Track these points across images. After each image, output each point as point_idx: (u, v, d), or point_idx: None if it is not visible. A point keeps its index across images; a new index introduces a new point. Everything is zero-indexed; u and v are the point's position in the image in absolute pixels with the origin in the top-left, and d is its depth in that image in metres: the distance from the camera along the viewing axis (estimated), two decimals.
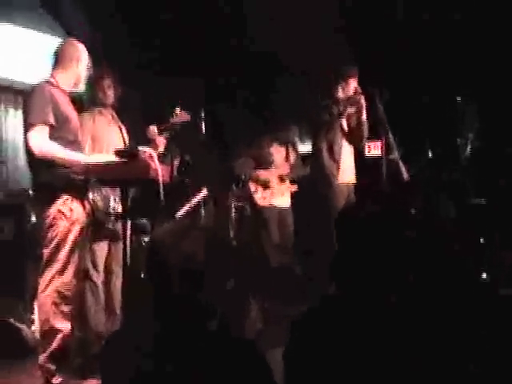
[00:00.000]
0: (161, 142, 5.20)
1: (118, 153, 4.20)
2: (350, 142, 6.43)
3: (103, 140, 5.16)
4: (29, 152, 4.25)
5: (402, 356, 2.08)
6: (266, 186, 7.02)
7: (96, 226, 4.79)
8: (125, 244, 5.00)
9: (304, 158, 7.24)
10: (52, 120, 4.21)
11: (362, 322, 2.14)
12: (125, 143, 5.31)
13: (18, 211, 6.03)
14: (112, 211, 4.93)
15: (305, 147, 7.99)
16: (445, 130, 7.33)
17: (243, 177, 7.03)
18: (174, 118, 5.25)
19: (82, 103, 5.22)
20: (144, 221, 6.37)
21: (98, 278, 5.02)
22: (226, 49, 8.26)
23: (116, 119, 5.37)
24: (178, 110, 5.28)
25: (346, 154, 6.34)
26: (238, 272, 5.70)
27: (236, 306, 4.78)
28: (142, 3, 7.98)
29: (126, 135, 5.37)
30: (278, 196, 7.02)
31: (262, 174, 7.05)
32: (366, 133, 6.38)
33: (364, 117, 6.27)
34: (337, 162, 6.22)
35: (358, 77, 6.36)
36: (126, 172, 4.15)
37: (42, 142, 4.17)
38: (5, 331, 5.17)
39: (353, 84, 6.32)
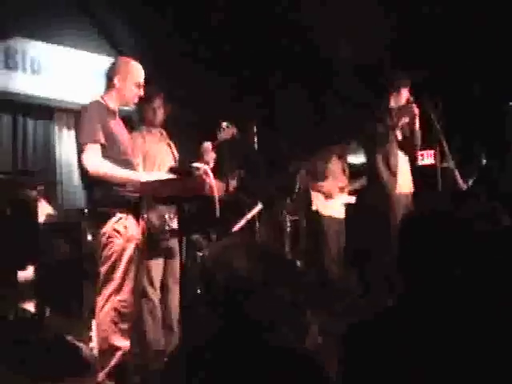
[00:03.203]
0: (211, 158, 5.19)
1: (173, 170, 4.21)
2: (404, 151, 6.36)
3: (155, 158, 5.16)
4: (83, 171, 4.26)
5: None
6: (328, 195, 7.07)
7: (151, 244, 4.79)
8: (181, 260, 5.02)
9: (359, 170, 7.24)
10: (102, 139, 4.21)
11: (427, 333, 2.09)
12: (175, 160, 5.31)
13: (73, 230, 6.09)
14: (167, 228, 4.94)
15: (359, 159, 7.96)
16: (499, 137, 7.20)
17: (298, 189, 7.05)
18: (221, 133, 5.26)
19: (131, 122, 5.25)
20: (197, 236, 6.39)
21: (155, 295, 5.02)
22: (281, 59, 8.27)
23: (165, 137, 5.37)
24: (224, 125, 5.28)
25: (403, 163, 6.27)
26: (296, 286, 5.66)
27: (296, 320, 4.73)
28: (192, 22, 8.04)
29: (175, 152, 5.38)
30: (338, 206, 7.08)
31: (323, 184, 7.11)
32: (419, 142, 6.31)
33: (417, 126, 6.21)
34: (394, 173, 6.15)
35: (410, 86, 6.30)
36: (181, 189, 4.15)
37: (94, 160, 4.17)
38: (63, 349, 5.20)
39: (405, 94, 6.26)
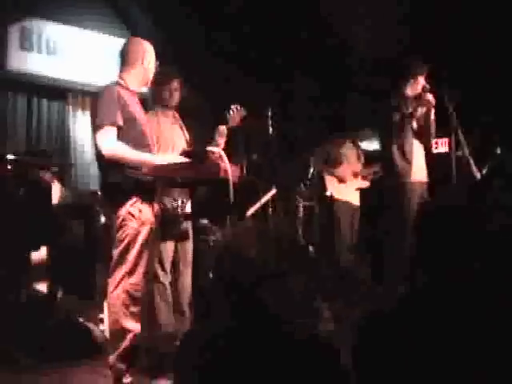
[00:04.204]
0: (222, 141, 5.19)
1: (187, 153, 4.19)
2: (419, 140, 6.32)
3: (168, 140, 5.14)
4: (98, 153, 4.24)
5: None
6: (341, 179, 7.05)
7: (164, 227, 4.79)
8: (194, 244, 5.01)
9: (374, 157, 7.21)
10: (120, 121, 4.17)
11: (442, 325, 2.08)
12: (187, 143, 5.30)
13: (86, 212, 6.10)
14: (180, 211, 4.93)
15: (374, 145, 7.94)
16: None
17: (312, 175, 7.03)
18: (230, 116, 5.25)
19: (145, 103, 5.24)
20: (206, 222, 6.40)
21: (166, 278, 5.02)
22: (296, 46, 8.23)
23: (178, 119, 5.35)
24: (233, 107, 5.27)
25: (417, 152, 6.23)
26: (308, 272, 5.66)
27: (307, 306, 4.73)
28: (208, 7, 8.01)
29: (187, 135, 5.37)
30: (352, 192, 7.05)
31: (338, 169, 7.09)
32: (434, 131, 6.27)
33: (433, 116, 6.16)
34: (409, 161, 6.12)
35: (426, 74, 6.25)
36: (196, 172, 4.14)
37: (110, 142, 4.14)
38: (74, 330, 5.23)
39: (421, 81, 6.21)
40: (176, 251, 5.09)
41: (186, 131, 5.37)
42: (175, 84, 5.21)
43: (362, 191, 7.35)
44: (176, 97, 5.25)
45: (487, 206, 2.44)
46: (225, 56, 8.23)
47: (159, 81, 4.92)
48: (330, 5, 7.52)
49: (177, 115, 5.35)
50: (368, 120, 7.31)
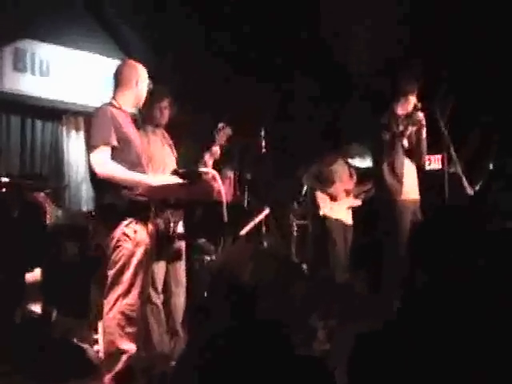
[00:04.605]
0: (211, 161, 5.23)
1: (179, 174, 4.21)
2: (410, 158, 6.35)
3: (159, 160, 5.15)
4: (92, 173, 4.25)
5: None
6: (333, 197, 7.04)
7: (157, 247, 4.79)
8: (187, 264, 5.02)
9: (366, 174, 7.23)
10: (114, 141, 4.20)
11: (436, 337, 2.10)
12: (177, 163, 5.31)
13: (81, 233, 6.10)
14: (172, 232, 4.94)
15: (365, 163, 7.96)
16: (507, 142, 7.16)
17: (308, 190, 7.04)
18: (218, 135, 5.28)
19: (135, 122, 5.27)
20: (204, 241, 6.39)
21: (158, 298, 5.02)
22: (289, 64, 8.26)
23: (167, 138, 5.36)
24: (220, 126, 5.31)
25: (409, 170, 6.26)
26: (302, 290, 5.66)
27: (302, 325, 4.73)
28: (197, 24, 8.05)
29: (175, 154, 5.39)
30: (344, 210, 7.04)
31: (329, 188, 7.08)
32: (425, 149, 6.30)
33: (424, 135, 6.19)
34: (399, 179, 6.14)
35: (417, 93, 6.28)
36: (189, 193, 4.16)
37: (104, 163, 4.16)
38: (69, 351, 5.21)
39: (412, 100, 6.24)
40: (167, 271, 5.08)
41: (174, 150, 5.39)
42: (165, 103, 5.24)
43: (355, 209, 7.36)
44: (166, 115, 5.28)
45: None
46: (218, 74, 8.25)
47: (149, 100, 4.94)
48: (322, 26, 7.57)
49: (166, 134, 5.37)
50: (359, 136, 7.33)
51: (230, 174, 5.41)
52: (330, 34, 7.73)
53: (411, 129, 6.20)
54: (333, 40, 7.80)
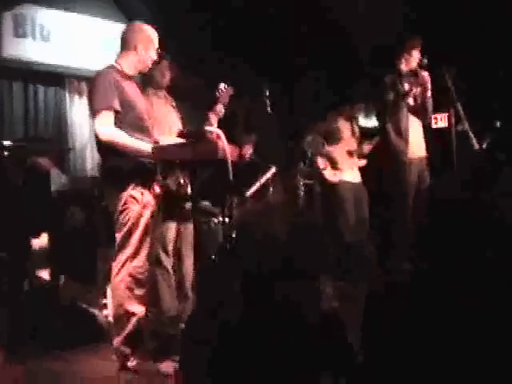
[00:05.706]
0: (215, 121, 5.18)
1: (185, 134, 4.17)
2: (417, 116, 6.28)
3: (164, 122, 5.10)
4: (97, 138, 4.23)
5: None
6: (335, 161, 6.89)
7: (167, 209, 4.76)
8: (195, 226, 4.99)
9: (370, 133, 7.11)
10: (117, 105, 4.16)
11: (443, 298, 2.06)
12: (182, 123, 5.27)
13: (86, 197, 6.08)
14: (183, 193, 4.91)
15: (370, 122, 7.86)
16: None
17: (310, 154, 6.93)
18: (220, 94, 5.23)
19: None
20: (207, 203, 6.37)
21: (168, 262, 5.00)
22: (294, 26, 8.17)
23: (170, 100, 5.32)
24: (221, 86, 5.26)
25: (414, 128, 6.20)
26: (310, 250, 5.63)
27: (309, 283, 4.71)
28: None
29: (179, 115, 5.34)
30: (348, 171, 6.85)
31: (331, 149, 6.93)
32: (430, 108, 6.24)
33: (429, 93, 6.11)
34: (405, 138, 6.09)
35: (421, 47, 6.18)
36: (194, 153, 4.11)
37: (107, 127, 4.13)
38: (78, 316, 5.22)
39: (416, 55, 6.14)
40: (177, 234, 5.05)
41: (179, 111, 5.34)
42: (165, 63, 5.17)
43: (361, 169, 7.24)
44: (167, 77, 5.23)
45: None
46: (221, 40, 8.17)
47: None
48: None
49: (168, 96, 5.32)
50: (363, 96, 7.24)
51: (253, 137, 5.33)
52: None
53: (416, 88, 6.13)
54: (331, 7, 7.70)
